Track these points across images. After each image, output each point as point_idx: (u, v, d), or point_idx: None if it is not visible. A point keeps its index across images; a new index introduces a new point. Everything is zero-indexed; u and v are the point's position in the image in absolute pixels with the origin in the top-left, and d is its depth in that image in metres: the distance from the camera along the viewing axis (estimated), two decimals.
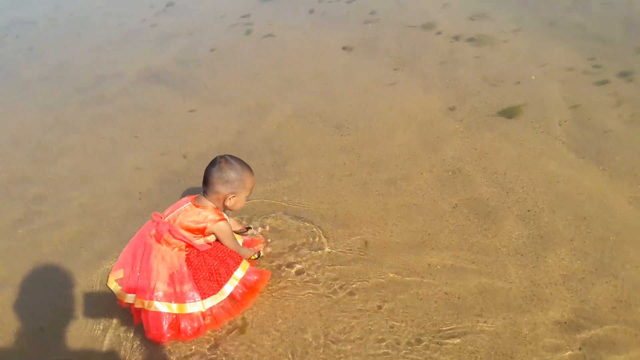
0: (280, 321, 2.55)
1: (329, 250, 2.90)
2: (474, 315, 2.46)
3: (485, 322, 2.42)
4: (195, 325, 2.50)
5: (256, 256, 2.86)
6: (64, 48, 6.32)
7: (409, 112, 4.08)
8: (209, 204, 2.56)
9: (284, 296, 2.68)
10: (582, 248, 2.73)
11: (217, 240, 2.62)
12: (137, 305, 2.46)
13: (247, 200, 2.69)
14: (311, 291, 2.68)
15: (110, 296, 2.80)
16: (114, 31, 6.64)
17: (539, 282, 2.57)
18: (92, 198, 3.63)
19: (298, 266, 2.83)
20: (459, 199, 3.16)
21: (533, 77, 3.23)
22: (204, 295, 2.48)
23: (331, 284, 2.70)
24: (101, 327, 2.65)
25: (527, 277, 2.60)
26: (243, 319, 2.59)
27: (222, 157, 2.55)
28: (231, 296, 2.57)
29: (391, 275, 2.71)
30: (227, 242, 2.62)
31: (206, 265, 2.52)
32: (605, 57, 4.39)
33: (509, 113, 3.87)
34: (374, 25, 5.65)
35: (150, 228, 2.56)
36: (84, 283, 2.94)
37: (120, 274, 2.56)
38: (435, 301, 2.55)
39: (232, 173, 2.51)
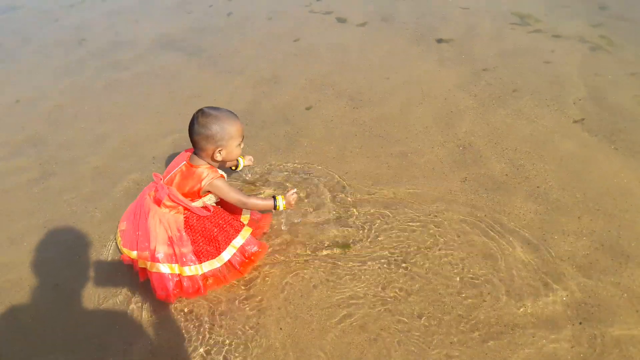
0: (286, 284, 2.61)
1: (337, 216, 2.94)
2: (480, 288, 2.50)
3: (489, 293, 2.46)
4: (196, 286, 2.55)
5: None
6: (80, 12, 6.33)
7: (424, 87, 4.06)
8: (202, 162, 2.47)
9: (290, 262, 2.73)
10: (589, 225, 2.74)
11: (219, 198, 2.55)
12: (141, 265, 2.53)
13: (242, 147, 2.54)
14: (318, 261, 2.73)
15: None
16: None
17: (544, 257, 2.59)
18: (107, 161, 3.69)
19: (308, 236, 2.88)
20: (469, 173, 3.18)
21: None
22: (202, 259, 2.52)
23: (338, 257, 2.76)
24: (113, 285, 2.73)
25: (533, 252, 2.62)
26: (245, 280, 2.65)
27: (199, 111, 2.41)
28: (230, 263, 2.59)
29: (394, 252, 2.75)
30: (228, 196, 2.49)
31: (206, 231, 2.53)
32: (623, 36, 4.33)
33: (524, 90, 3.85)
34: None
35: (151, 188, 2.58)
36: (97, 242, 3.01)
37: (123, 226, 2.62)
38: (439, 273, 2.58)
39: (212, 126, 2.36)
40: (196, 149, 2.47)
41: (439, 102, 3.86)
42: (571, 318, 2.32)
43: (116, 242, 2.69)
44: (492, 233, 2.75)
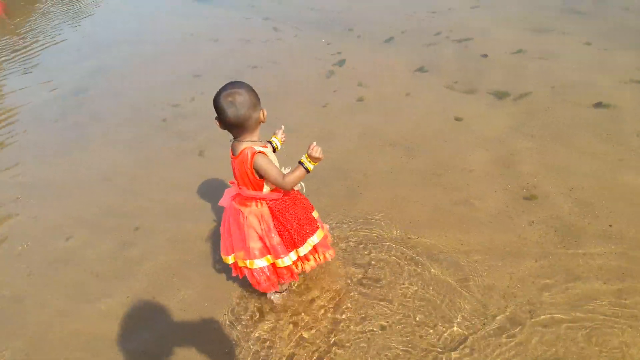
0: None
1: (405, 267, 2.98)
2: (563, 338, 2.46)
3: (571, 340, 2.41)
4: (289, 272, 2.82)
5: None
6: (143, 88, 6.78)
7: (478, 131, 4.10)
8: (243, 144, 2.52)
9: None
10: None
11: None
12: (240, 265, 2.77)
13: None
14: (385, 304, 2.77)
15: (205, 317, 3.03)
16: (187, 67, 7.03)
17: (627, 296, 2.53)
18: (182, 228, 3.88)
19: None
20: (536, 215, 3.16)
21: None
22: (290, 248, 2.72)
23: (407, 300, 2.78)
24: (196, 349, 2.85)
25: (612, 294, 2.57)
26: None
27: (224, 93, 2.44)
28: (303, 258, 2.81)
29: (474, 299, 2.75)
30: (268, 175, 2.51)
31: (289, 221, 2.68)
32: None
33: (582, 126, 3.83)
34: (436, 47, 5.72)
35: (231, 193, 2.78)
36: (177, 309, 3.16)
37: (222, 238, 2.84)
38: (521, 325, 2.56)
39: (246, 95, 2.44)
40: (244, 129, 2.50)
41: (495, 145, 3.89)
42: None
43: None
44: (566, 278, 2.72)
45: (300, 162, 2.55)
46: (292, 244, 2.74)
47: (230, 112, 2.42)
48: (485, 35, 5.71)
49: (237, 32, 7.54)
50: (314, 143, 2.54)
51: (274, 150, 2.80)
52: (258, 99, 2.50)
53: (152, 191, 4.49)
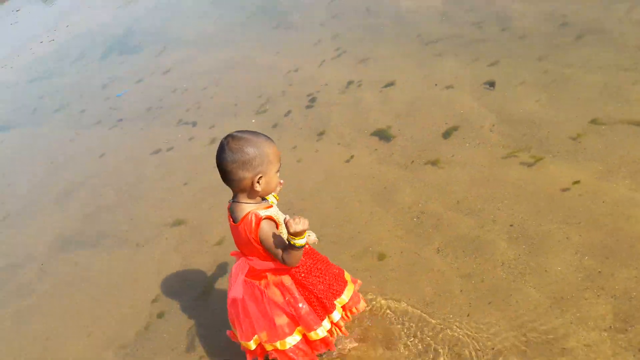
0: None
1: None
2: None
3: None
4: (323, 343, 2.34)
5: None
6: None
7: (345, 173, 3.90)
8: (244, 208, 2.11)
9: None
10: (579, 241, 2.64)
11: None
12: (269, 348, 2.30)
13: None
14: None
15: None
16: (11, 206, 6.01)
17: (559, 291, 2.44)
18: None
19: None
20: (439, 241, 3.00)
21: None
22: (322, 315, 2.30)
23: None
24: None
25: (545, 292, 2.48)
26: None
27: (227, 136, 2.06)
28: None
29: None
30: (271, 249, 2.12)
31: (317, 282, 2.28)
32: (506, 55, 4.53)
33: (441, 140, 3.80)
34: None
35: (241, 268, 2.31)
36: None
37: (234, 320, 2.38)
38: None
39: (248, 149, 2.02)
40: (234, 187, 2.12)
41: (369, 183, 3.70)
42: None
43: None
44: (495, 295, 2.56)
45: (288, 241, 2.10)
46: (323, 310, 2.29)
47: (220, 155, 2.05)
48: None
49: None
50: (287, 217, 2.12)
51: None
52: (263, 163, 2.05)
53: None
